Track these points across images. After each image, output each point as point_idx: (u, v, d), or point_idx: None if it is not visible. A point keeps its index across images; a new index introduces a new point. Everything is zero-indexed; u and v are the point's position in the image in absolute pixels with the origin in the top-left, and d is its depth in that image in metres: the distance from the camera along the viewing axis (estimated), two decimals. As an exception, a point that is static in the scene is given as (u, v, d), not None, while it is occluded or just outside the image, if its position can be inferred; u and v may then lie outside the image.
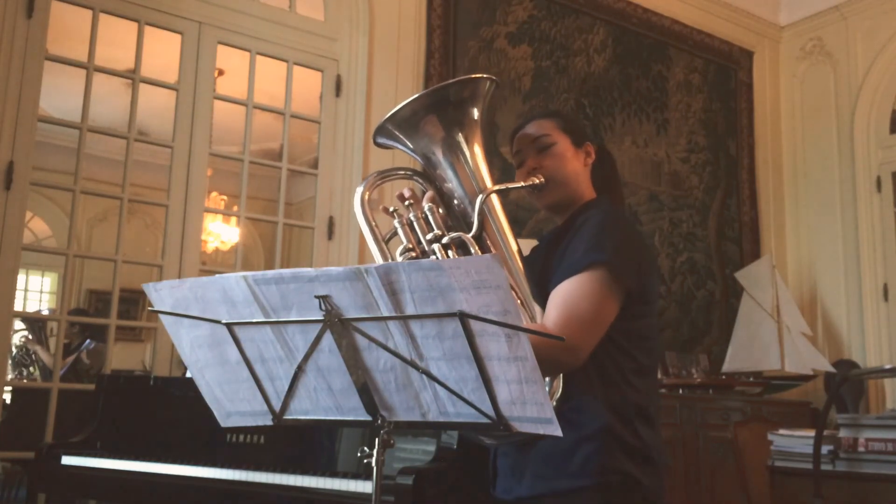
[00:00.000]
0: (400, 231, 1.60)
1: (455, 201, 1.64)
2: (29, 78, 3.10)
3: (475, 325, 1.08)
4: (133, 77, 3.45)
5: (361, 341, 1.17)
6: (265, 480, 1.90)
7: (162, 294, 1.24)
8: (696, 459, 3.96)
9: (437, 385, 1.16)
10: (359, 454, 1.24)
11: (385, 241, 1.60)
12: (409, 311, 1.11)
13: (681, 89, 5.13)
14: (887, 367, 4.42)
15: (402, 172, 1.73)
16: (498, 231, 1.59)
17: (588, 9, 4.71)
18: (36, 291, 7.59)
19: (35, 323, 4.93)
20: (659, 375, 4.32)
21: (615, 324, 1.51)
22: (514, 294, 1.25)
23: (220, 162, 5.08)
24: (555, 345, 1.33)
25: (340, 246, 3.71)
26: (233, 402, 1.33)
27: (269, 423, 1.31)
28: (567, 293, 1.48)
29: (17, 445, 3.44)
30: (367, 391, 1.21)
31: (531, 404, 1.11)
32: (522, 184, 1.67)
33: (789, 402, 4.72)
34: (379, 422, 1.22)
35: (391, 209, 1.63)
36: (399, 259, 1.56)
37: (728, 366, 4.71)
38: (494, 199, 1.61)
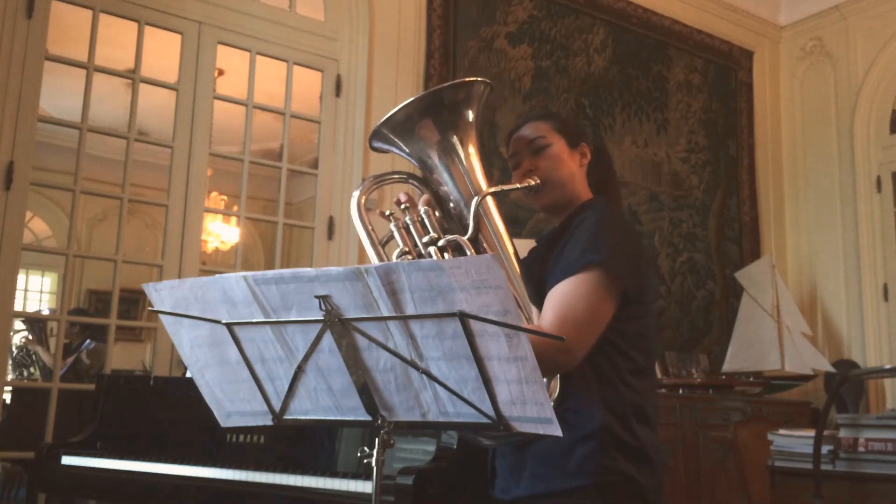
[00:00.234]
0: (396, 234, 1.59)
1: (451, 204, 1.63)
2: (29, 78, 3.11)
3: (475, 325, 1.09)
4: (133, 77, 3.46)
5: (361, 341, 1.17)
6: (265, 480, 1.90)
7: (162, 294, 1.25)
8: (696, 459, 3.96)
9: (437, 385, 1.16)
10: (359, 454, 1.24)
11: (382, 245, 1.60)
12: (409, 311, 1.11)
13: (681, 89, 5.13)
14: (887, 367, 4.42)
15: (398, 176, 1.73)
16: (494, 233, 1.59)
17: (588, 9, 4.71)
18: (36, 291, 7.59)
19: (35, 323, 4.93)
20: (659, 375, 4.34)
21: (612, 324, 1.51)
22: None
23: (220, 162, 5.07)
24: (551, 345, 1.33)
25: (340, 246, 3.71)
26: (233, 402, 1.33)
27: (269, 423, 1.31)
28: (563, 294, 1.48)
29: (17, 445, 3.45)
30: (367, 391, 1.21)
31: (531, 404, 1.11)
32: (518, 185, 1.67)
33: (789, 402, 4.72)
34: (379, 422, 1.22)
35: (388, 213, 1.63)
36: (396, 262, 1.56)
37: (728, 366, 4.71)
38: (490, 201, 1.61)
